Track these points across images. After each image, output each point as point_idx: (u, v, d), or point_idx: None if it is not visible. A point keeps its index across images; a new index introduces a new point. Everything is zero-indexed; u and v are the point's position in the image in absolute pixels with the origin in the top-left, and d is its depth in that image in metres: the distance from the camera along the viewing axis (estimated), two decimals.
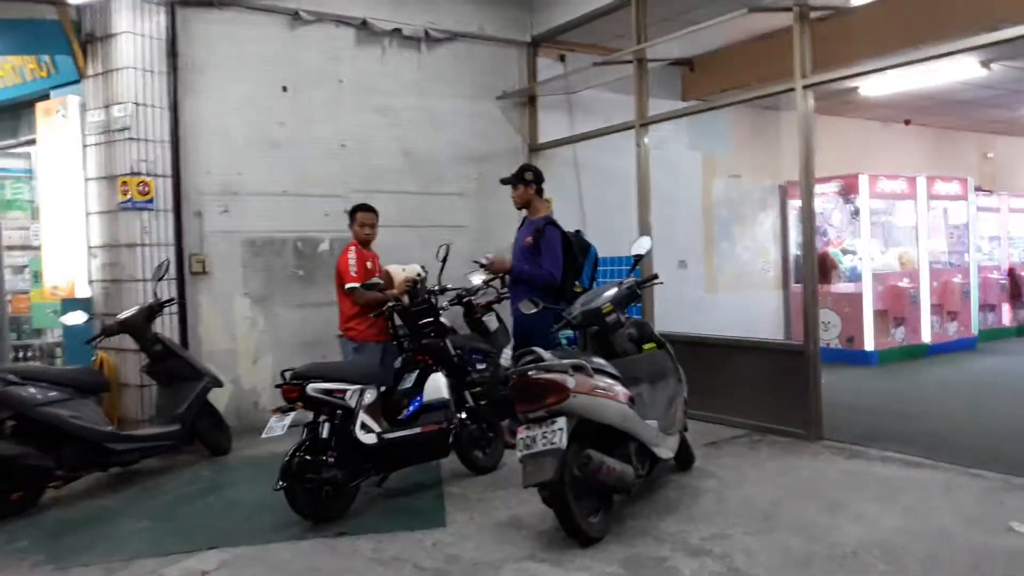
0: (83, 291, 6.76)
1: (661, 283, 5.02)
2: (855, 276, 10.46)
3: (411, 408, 5.49)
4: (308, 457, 4.55)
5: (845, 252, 10.79)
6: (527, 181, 5.88)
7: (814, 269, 6.25)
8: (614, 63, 7.55)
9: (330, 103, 7.57)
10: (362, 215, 6.14)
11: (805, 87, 6.02)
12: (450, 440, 5.17)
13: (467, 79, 8.40)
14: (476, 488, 5.18)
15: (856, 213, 10.41)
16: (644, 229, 7.39)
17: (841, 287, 10.50)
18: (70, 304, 6.73)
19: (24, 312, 7.94)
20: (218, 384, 6.33)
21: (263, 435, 4.62)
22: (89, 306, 6.69)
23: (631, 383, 4.77)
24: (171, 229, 6.66)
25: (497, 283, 7.13)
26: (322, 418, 4.67)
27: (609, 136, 7.98)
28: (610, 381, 4.35)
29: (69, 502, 5.21)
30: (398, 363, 6.38)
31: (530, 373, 4.06)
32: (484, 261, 5.80)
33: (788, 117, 10.54)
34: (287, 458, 4.50)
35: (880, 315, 10.19)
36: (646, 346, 4.99)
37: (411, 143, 8.03)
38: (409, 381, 5.78)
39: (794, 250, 10.95)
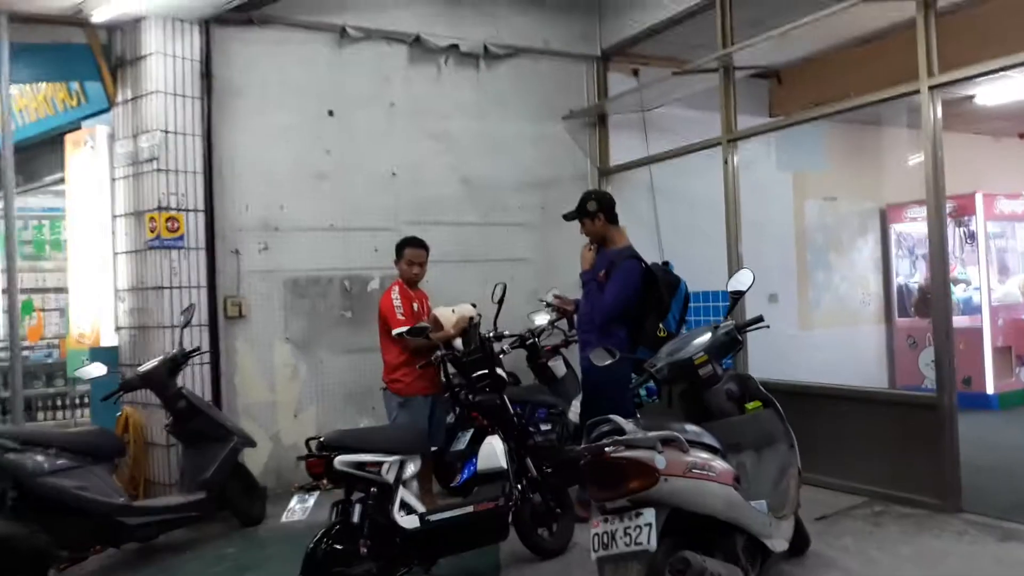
0: (109, 339, 6.16)
1: (767, 327, 4.09)
2: (969, 309, 9.27)
3: (464, 474, 4.66)
4: (337, 546, 3.75)
5: (956, 282, 9.59)
6: (591, 213, 4.99)
7: (948, 306, 5.23)
8: (696, 72, 6.67)
9: (380, 128, 6.89)
10: (411, 251, 5.38)
11: (932, 88, 5.04)
12: (509, 519, 4.31)
13: (530, 98, 7.63)
14: None
15: (970, 237, 9.23)
16: (734, 260, 6.45)
17: (954, 321, 9.27)
18: (98, 354, 6.14)
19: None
20: (250, 444, 5.63)
21: (283, 519, 3.85)
22: (115, 356, 6.08)
23: (731, 452, 3.86)
24: (203, 269, 6.01)
25: (565, 324, 6.27)
26: (355, 496, 3.88)
27: (689, 156, 7.09)
28: (707, 455, 3.44)
29: None
30: (451, 418, 5.59)
31: (607, 450, 3.19)
32: (550, 299, 4.97)
33: (890, 133, 9.54)
34: (310, 548, 3.71)
35: (1000, 352, 8.96)
36: (750, 405, 4.07)
37: (469, 170, 7.29)
38: (463, 441, 4.97)
39: (898, 280, 9.81)
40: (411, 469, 4.06)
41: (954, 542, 4.50)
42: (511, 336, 5.53)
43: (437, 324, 5.55)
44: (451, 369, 5.14)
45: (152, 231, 5.83)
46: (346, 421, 6.52)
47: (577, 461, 3.38)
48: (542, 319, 6.44)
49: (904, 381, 9.53)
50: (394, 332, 5.08)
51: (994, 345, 8.89)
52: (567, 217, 5.10)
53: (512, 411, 4.66)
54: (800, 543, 4.25)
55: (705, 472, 3.30)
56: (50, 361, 8.14)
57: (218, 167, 6.16)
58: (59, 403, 8.02)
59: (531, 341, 6.27)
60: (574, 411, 5.43)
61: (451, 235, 7.09)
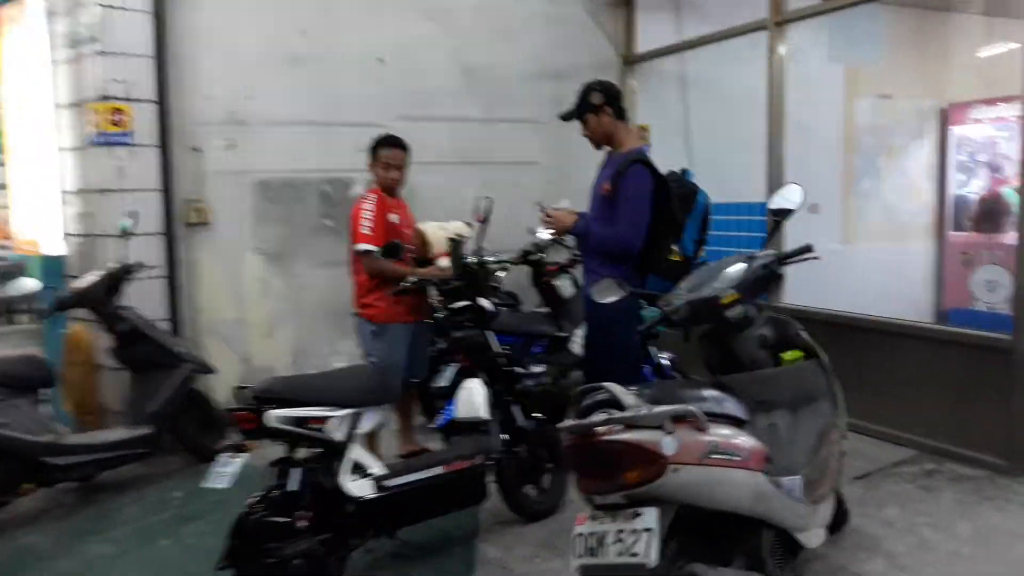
0: (56, 247, 5.44)
1: (817, 258, 3.24)
2: None
3: (445, 417, 3.95)
4: (270, 519, 3.07)
5: (1020, 191, 8.54)
6: (595, 106, 3.98)
7: None
8: None
9: (366, 5, 5.92)
10: (387, 152, 4.52)
11: None
12: (486, 479, 3.61)
13: None
14: (524, 546, 3.65)
15: None
16: (776, 167, 5.54)
17: (1015, 237, 8.27)
18: (48, 263, 5.46)
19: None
20: (207, 371, 4.96)
21: (202, 483, 3.16)
22: (61, 266, 5.38)
23: (761, 411, 3.09)
24: (156, 169, 5.20)
25: (572, 240, 5.43)
26: (296, 455, 3.18)
27: (729, 43, 6.07)
28: (730, 432, 2.66)
29: None
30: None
31: (598, 430, 2.41)
32: (545, 214, 4.11)
33: (956, 19, 8.35)
34: (236, 522, 3.04)
35: None
36: (787, 355, 3.24)
37: (471, 57, 6.32)
38: (446, 376, 4.24)
39: (954, 189, 8.76)
40: (368, 423, 3.34)
41: (1023, 518, 3.74)
42: (498, 261, 4.71)
43: (423, 241, 4.77)
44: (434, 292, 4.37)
45: (94, 125, 5.00)
46: (325, 342, 5.84)
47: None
48: (545, 233, 5.62)
49: (952, 303, 8.63)
50: (357, 248, 4.29)
51: None
52: (565, 116, 4.15)
53: (500, 349, 3.90)
54: (838, 518, 3.49)
55: (728, 458, 2.53)
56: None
57: (172, 50, 5.26)
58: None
59: (535, 257, 5.48)
60: (577, 340, 4.65)
61: (448, 133, 6.22)
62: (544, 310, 5.55)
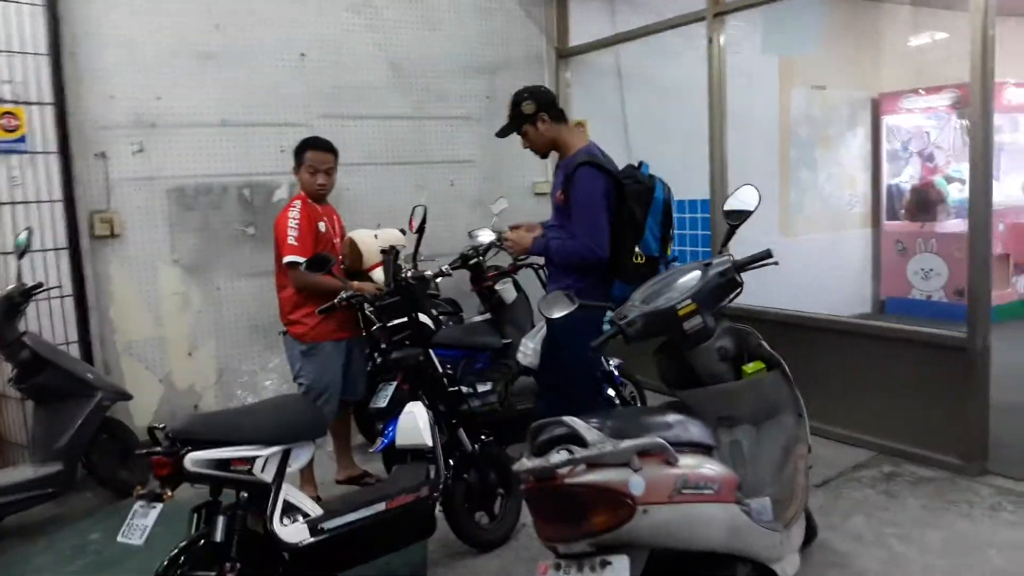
0: None
1: (776, 263, 3.04)
2: (963, 212, 8.34)
3: (384, 441, 3.65)
4: (197, 573, 2.74)
5: (950, 180, 8.62)
6: (529, 116, 3.64)
7: (988, 213, 4.14)
8: None
9: None
10: (313, 155, 4.18)
11: None
12: (434, 511, 3.33)
13: None
14: None
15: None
16: (718, 162, 5.37)
17: (948, 225, 8.35)
18: None
19: None
20: (122, 397, 4.54)
21: (119, 538, 2.80)
22: None
23: (723, 427, 2.91)
24: (57, 178, 4.76)
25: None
26: (220, 503, 2.84)
27: (663, 36, 5.88)
28: (698, 461, 2.44)
29: None
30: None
31: (559, 472, 2.16)
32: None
33: (889, 10, 8.37)
34: (159, 572, 2.69)
35: (998, 261, 8.07)
36: (749, 367, 3.04)
37: (398, 50, 5.99)
38: (383, 396, 3.91)
39: (887, 179, 8.79)
40: (300, 460, 3.02)
41: (990, 523, 3.63)
42: (437, 273, 4.43)
43: (355, 251, 4.45)
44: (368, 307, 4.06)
45: None
46: (253, 359, 5.48)
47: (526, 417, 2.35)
48: (487, 235, 5.37)
49: (890, 291, 8.68)
50: (284, 260, 3.96)
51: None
52: (502, 133, 3.79)
53: (441, 368, 3.61)
54: (807, 533, 3.33)
55: (699, 492, 2.31)
56: None
57: (69, 46, 4.82)
58: None
59: (474, 261, 5.21)
60: (525, 350, 4.38)
61: (377, 131, 5.91)
62: (485, 317, 5.28)
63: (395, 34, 5.97)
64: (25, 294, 4.19)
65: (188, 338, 5.33)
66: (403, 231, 4.58)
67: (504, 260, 5.43)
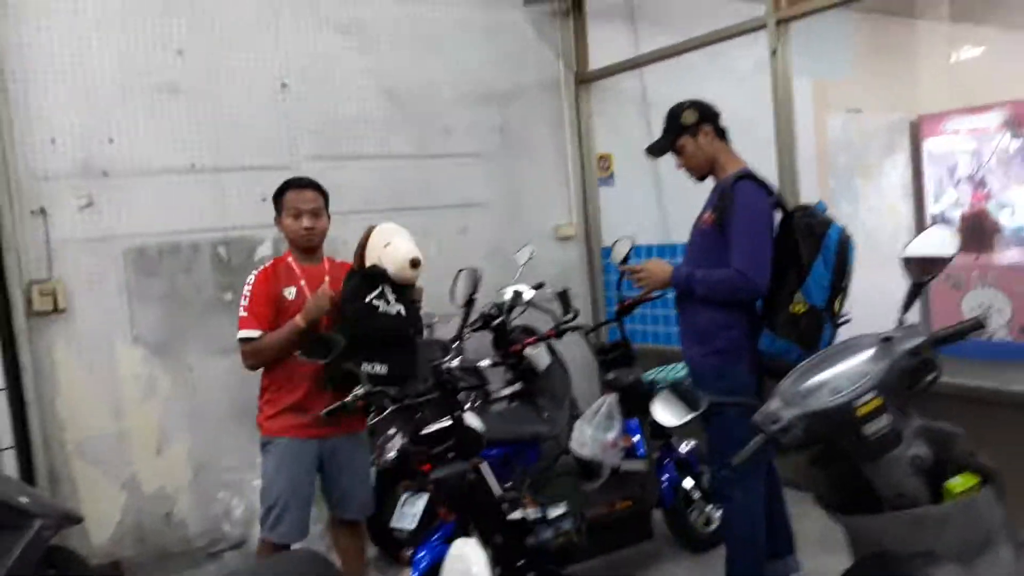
0: None
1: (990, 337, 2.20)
2: (1019, 240, 7.60)
3: (418, 565, 2.66)
4: None
5: (1003, 207, 7.87)
6: (690, 126, 3.13)
7: None
8: None
9: (260, 16, 4.69)
10: (293, 195, 3.24)
11: None
12: None
13: None
14: None
15: None
16: (790, 198, 4.52)
17: (1008, 256, 7.57)
18: None
19: None
20: (70, 522, 3.54)
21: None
22: None
23: (918, 566, 2.02)
24: None
25: (557, 306, 4.22)
26: None
27: (690, 56, 5.10)
28: None
29: None
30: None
31: None
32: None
33: (924, 27, 7.69)
34: None
35: None
36: (955, 483, 2.13)
37: (395, 78, 5.13)
38: (411, 517, 2.91)
39: (932, 208, 8.03)
40: None
41: None
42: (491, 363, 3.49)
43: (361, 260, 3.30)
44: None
45: None
46: (234, 453, 4.48)
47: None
48: (509, 292, 4.45)
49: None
50: (240, 335, 3.06)
51: None
52: (654, 148, 3.23)
53: (500, 488, 2.64)
54: None
55: None
56: None
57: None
58: None
59: (498, 321, 4.29)
60: (583, 438, 3.38)
61: (376, 173, 5.05)
62: (514, 388, 4.34)
63: (389, 58, 5.13)
64: None
65: (155, 431, 4.35)
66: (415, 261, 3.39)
67: (534, 319, 4.54)
